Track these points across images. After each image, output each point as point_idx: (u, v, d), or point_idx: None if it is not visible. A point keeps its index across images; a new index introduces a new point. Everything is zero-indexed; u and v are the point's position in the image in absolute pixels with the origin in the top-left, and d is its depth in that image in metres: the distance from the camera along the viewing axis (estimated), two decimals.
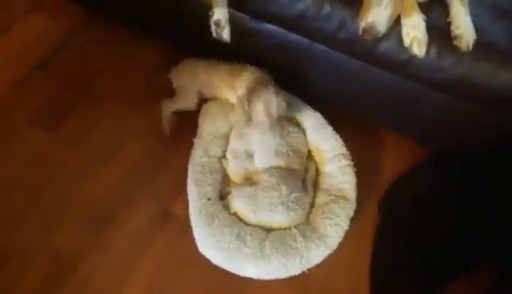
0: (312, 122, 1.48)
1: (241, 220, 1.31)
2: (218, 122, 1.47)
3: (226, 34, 1.28)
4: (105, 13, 1.72)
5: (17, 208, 1.33)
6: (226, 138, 1.46)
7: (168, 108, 1.51)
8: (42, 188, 1.37)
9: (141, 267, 1.27)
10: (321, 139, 1.45)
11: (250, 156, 1.41)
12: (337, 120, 1.48)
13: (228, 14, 1.27)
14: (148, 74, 1.64)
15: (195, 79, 1.49)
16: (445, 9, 1.20)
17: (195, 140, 1.44)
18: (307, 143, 1.47)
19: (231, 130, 1.48)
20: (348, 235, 1.30)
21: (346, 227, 1.31)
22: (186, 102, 1.50)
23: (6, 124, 1.49)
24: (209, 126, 1.46)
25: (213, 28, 1.27)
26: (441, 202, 1.40)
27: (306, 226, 1.31)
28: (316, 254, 1.27)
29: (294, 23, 1.31)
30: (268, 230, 1.30)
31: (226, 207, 1.33)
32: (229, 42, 1.30)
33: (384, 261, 1.34)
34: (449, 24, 1.17)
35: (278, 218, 1.30)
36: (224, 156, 1.43)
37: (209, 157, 1.40)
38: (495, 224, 1.34)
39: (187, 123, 1.49)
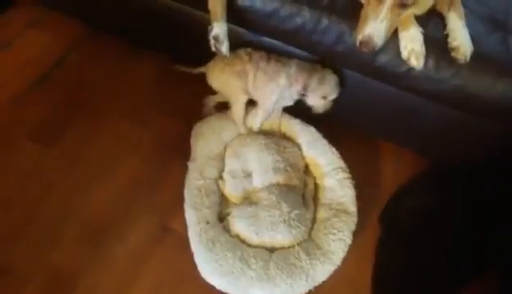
0: (307, 136, 1.47)
1: (243, 241, 1.27)
2: (212, 143, 1.43)
3: (224, 48, 1.29)
4: (103, 28, 1.73)
5: (15, 224, 1.32)
6: (221, 158, 1.43)
7: (213, 101, 1.53)
8: (40, 203, 1.36)
9: (141, 282, 1.26)
10: (318, 153, 1.44)
11: (248, 175, 1.38)
12: (335, 132, 1.48)
13: (227, 28, 1.29)
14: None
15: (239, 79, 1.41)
16: (442, 21, 1.22)
17: (189, 164, 1.39)
18: (303, 157, 1.46)
19: (225, 149, 1.45)
20: (351, 249, 1.28)
21: (349, 242, 1.28)
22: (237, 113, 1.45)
23: (5, 139, 1.48)
24: (202, 147, 1.42)
25: (211, 42, 1.28)
26: (442, 212, 1.39)
27: (309, 243, 1.28)
28: (321, 271, 1.24)
29: (292, 37, 1.32)
30: (271, 250, 1.26)
31: (227, 229, 1.29)
32: (228, 56, 1.31)
33: (385, 273, 1.33)
34: (446, 36, 1.18)
35: (280, 237, 1.27)
36: (220, 177, 1.39)
37: (205, 179, 1.35)
38: (497, 235, 1.33)
39: (185, 138, 1.48)
